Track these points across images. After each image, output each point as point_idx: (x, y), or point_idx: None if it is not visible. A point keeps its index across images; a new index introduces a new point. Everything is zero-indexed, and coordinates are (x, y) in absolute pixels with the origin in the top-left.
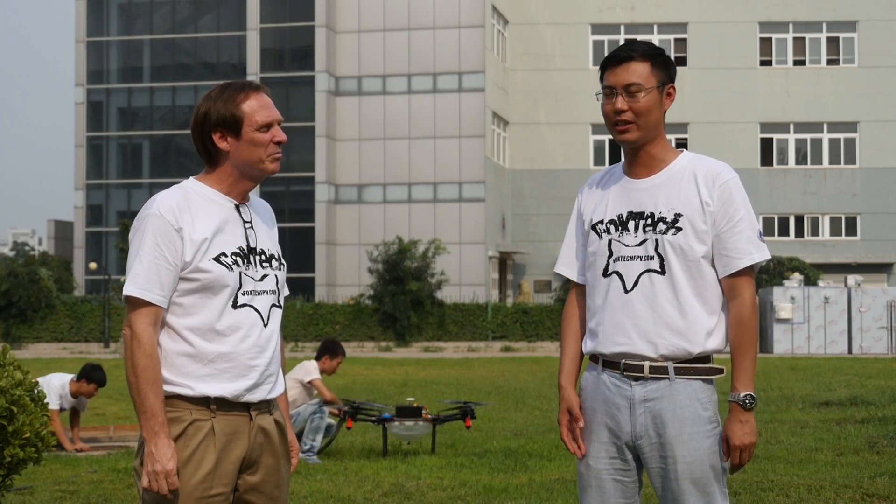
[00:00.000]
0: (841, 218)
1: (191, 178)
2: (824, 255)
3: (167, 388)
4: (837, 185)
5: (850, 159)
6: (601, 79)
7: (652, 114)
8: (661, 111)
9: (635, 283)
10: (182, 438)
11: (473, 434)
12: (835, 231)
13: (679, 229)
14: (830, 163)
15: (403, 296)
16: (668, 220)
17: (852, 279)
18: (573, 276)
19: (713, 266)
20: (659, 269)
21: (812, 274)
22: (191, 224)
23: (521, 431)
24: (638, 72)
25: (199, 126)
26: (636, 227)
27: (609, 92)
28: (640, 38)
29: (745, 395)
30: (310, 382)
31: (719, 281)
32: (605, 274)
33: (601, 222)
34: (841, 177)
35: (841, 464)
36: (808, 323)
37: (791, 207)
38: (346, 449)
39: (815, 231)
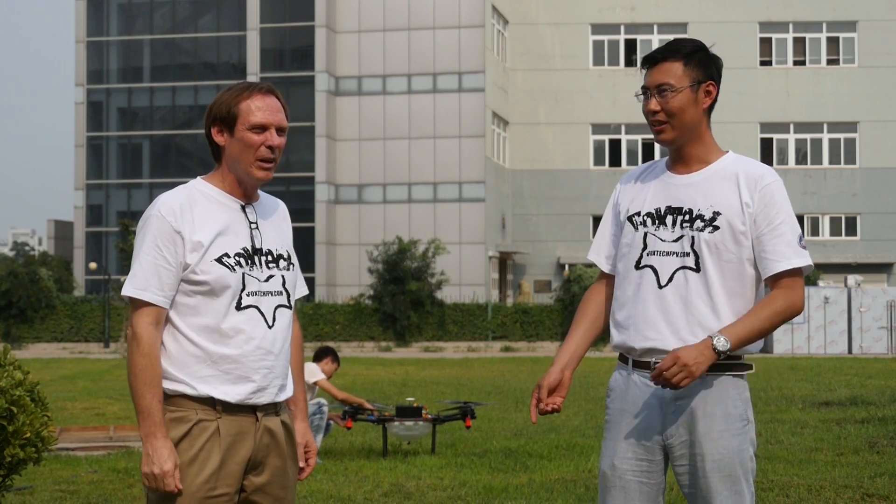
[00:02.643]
0: (841, 218)
1: (198, 178)
2: (824, 255)
3: (173, 386)
4: (837, 185)
5: (850, 159)
6: (644, 78)
7: (686, 113)
8: (697, 110)
9: (670, 279)
10: (187, 438)
11: (473, 434)
12: (835, 231)
13: (716, 228)
14: (830, 163)
15: (403, 296)
16: (707, 217)
17: (852, 279)
18: (603, 265)
19: (755, 268)
20: (694, 267)
21: (812, 274)
22: (192, 225)
23: (521, 431)
24: (671, 71)
25: (206, 118)
26: (673, 223)
27: (645, 92)
28: (640, 38)
29: (722, 339)
30: (315, 383)
31: (765, 284)
32: (638, 266)
33: (637, 214)
34: (841, 177)
35: (841, 464)
36: (808, 323)
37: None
38: (346, 449)
39: (815, 231)
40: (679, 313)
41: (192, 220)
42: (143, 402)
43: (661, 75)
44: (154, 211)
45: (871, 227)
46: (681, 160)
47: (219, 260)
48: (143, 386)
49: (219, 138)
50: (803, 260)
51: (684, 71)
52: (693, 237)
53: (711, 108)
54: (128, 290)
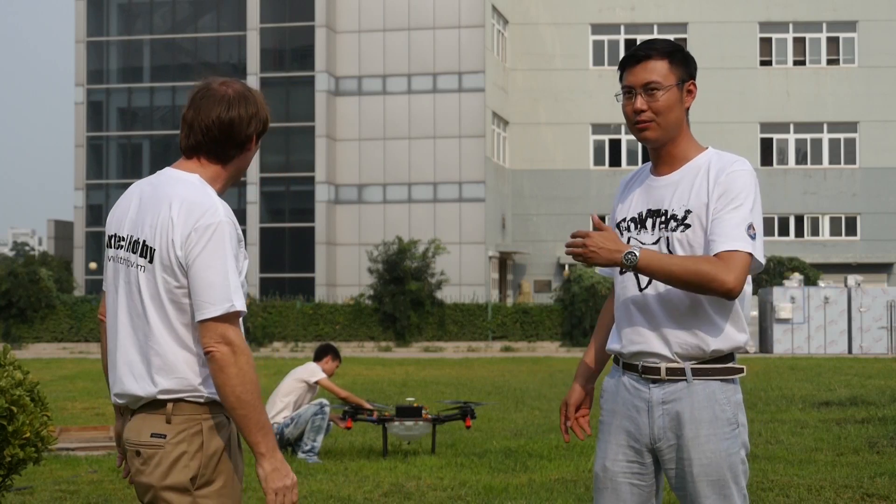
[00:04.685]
0: (841, 218)
1: (195, 177)
2: (824, 255)
3: (209, 392)
4: (837, 185)
5: (850, 159)
6: (620, 79)
7: (672, 112)
8: (681, 109)
9: (649, 282)
10: (230, 443)
11: (473, 434)
12: (835, 231)
13: (688, 226)
14: (830, 163)
15: (403, 296)
16: (679, 217)
17: (852, 279)
18: (609, 274)
19: None
20: None
21: (812, 274)
22: (240, 232)
23: (521, 431)
24: (656, 70)
25: (249, 120)
26: (653, 226)
27: (628, 91)
28: (640, 38)
29: (635, 252)
30: (316, 383)
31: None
32: (622, 272)
33: (623, 220)
34: (841, 177)
35: (841, 464)
36: (808, 323)
37: (791, 207)
38: (346, 449)
39: (815, 231)
40: (660, 315)
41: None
42: (263, 417)
43: (648, 73)
44: (222, 217)
45: (871, 227)
46: (661, 160)
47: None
48: (260, 401)
49: (254, 147)
50: (744, 245)
51: (670, 69)
52: (668, 238)
53: (688, 107)
54: (240, 304)
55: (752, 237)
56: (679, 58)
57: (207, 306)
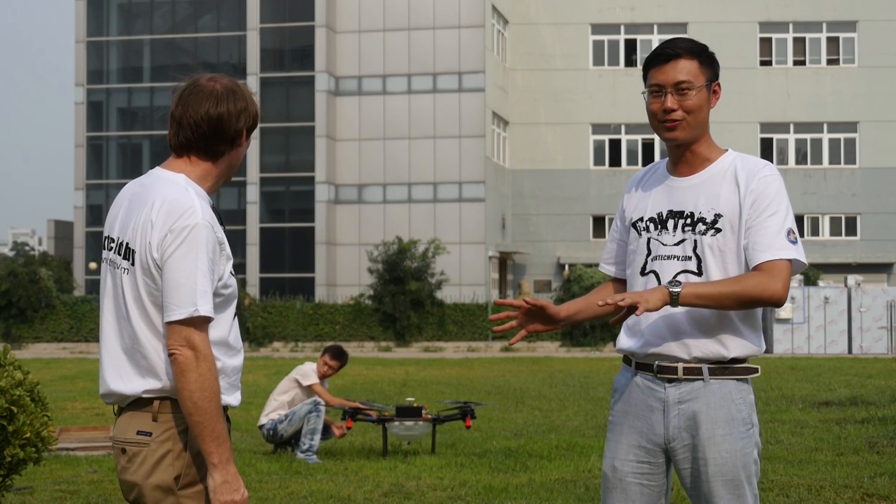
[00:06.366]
0: (841, 218)
1: (182, 177)
2: (824, 255)
3: None
4: (837, 185)
5: (850, 159)
6: (645, 77)
7: (701, 112)
8: (707, 109)
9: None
10: None
11: (473, 434)
12: (835, 231)
13: (718, 230)
14: (830, 163)
15: (403, 296)
16: (708, 220)
17: (852, 279)
18: (611, 271)
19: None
20: (696, 271)
21: (812, 274)
22: (222, 233)
23: (521, 431)
24: (687, 69)
25: (238, 116)
26: (675, 227)
27: (657, 90)
28: (640, 38)
29: (678, 288)
30: (308, 387)
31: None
32: (643, 273)
33: (641, 220)
34: (841, 177)
35: (841, 464)
36: (808, 323)
37: (791, 207)
38: (346, 449)
39: (815, 231)
40: (682, 318)
41: (220, 227)
42: (220, 426)
43: (678, 73)
44: (198, 219)
45: (871, 227)
46: (683, 160)
47: (232, 271)
48: (219, 410)
49: (245, 143)
50: (787, 252)
51: (700, 69)
52: (696, 241)
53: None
54: (206, 309)
55: (793, 242)
56: (707, 58)
57: (173, 308)
